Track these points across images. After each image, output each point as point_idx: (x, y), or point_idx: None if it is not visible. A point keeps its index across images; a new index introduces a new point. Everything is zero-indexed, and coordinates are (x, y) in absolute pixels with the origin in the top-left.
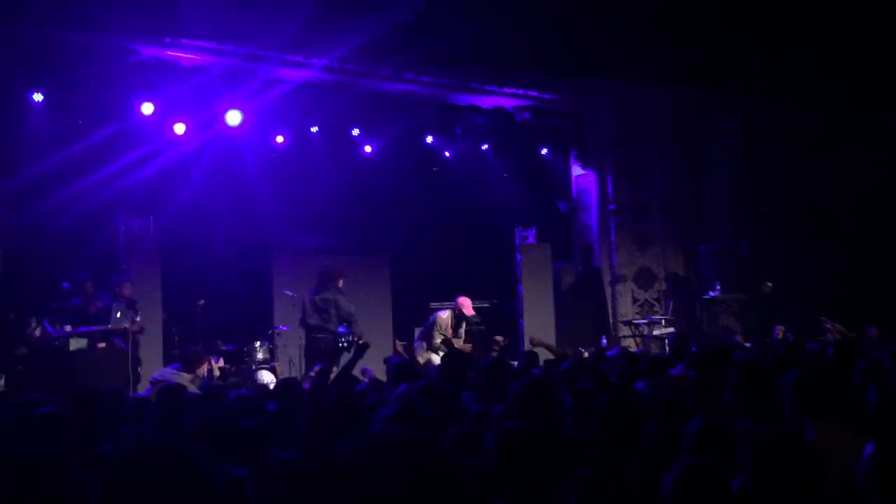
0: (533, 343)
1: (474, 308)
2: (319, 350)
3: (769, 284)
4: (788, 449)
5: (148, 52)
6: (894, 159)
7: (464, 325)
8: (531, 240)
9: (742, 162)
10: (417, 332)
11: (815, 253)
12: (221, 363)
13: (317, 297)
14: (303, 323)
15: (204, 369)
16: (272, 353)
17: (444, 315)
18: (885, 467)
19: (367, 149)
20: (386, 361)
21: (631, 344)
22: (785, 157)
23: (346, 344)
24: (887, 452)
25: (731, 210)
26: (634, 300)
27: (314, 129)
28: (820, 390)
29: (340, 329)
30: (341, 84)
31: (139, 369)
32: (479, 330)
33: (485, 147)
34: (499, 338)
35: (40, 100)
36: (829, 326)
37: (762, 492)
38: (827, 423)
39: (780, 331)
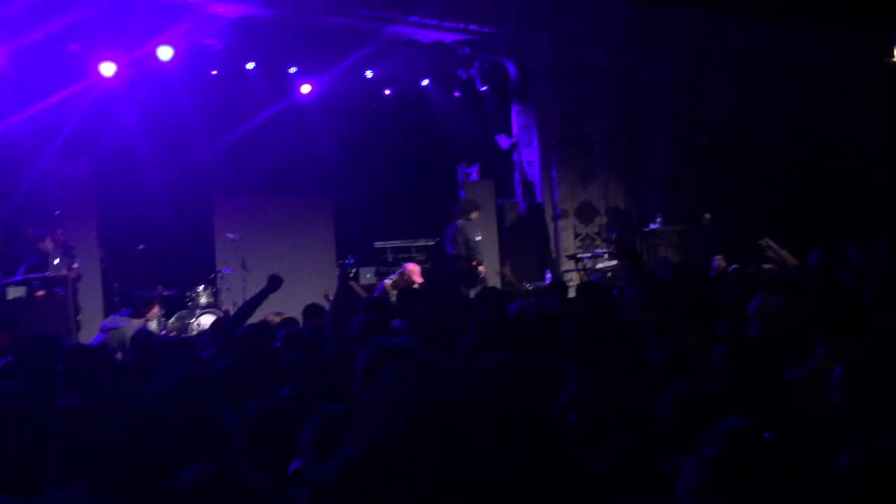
0: (504, 276)
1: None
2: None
3: (708, 216)
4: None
5: None
6: (825, 83)
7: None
8: (474, 177)
9: (679, 92)
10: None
11: (754, 182)
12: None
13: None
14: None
15: (154, 314)
16: (216, 296)
17: (388, 284)
18: (850, 385)
19: (306, 87)
20: None
21: (574, 278)
22: (722, 84)
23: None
24: (853, 371)
25: (671, 142)
26: (576, 234)
27: (250, 66)
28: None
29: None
30: (277, 18)
31: (79, 317)
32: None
33: (425, 83)
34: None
35: None
36: (771, 248)
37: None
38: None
39: (719, 260)
